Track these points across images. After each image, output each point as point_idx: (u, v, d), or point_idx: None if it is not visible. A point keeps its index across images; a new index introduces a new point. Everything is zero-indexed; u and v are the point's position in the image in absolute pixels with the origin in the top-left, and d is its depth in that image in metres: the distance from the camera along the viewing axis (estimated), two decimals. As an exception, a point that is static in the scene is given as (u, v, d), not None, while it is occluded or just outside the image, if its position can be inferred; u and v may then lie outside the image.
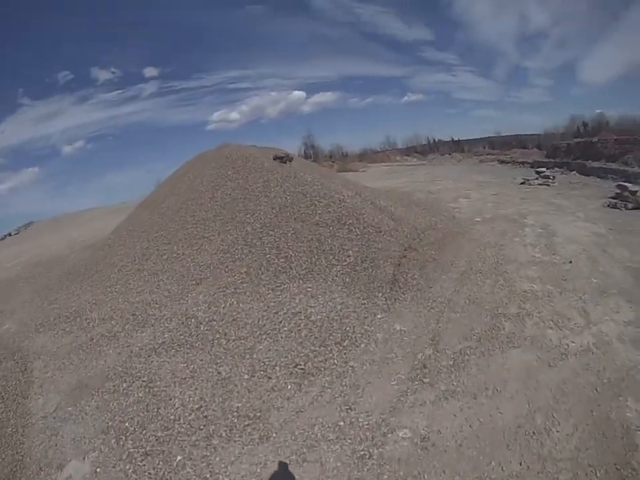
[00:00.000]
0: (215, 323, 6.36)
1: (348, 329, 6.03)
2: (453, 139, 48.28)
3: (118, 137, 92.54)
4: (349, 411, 4.62)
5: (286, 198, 8.71)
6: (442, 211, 13.31)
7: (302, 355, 5.55)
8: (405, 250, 8.12)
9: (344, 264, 7.35)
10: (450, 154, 41.40)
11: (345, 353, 5.58)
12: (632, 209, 12.55)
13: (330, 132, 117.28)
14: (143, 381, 5.35)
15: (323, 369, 5.31)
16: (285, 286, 6.90)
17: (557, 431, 4.07)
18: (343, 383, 5.06)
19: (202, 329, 6.27)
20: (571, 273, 8.17)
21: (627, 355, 5.20)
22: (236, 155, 10.86)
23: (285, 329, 6.05)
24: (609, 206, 13.22)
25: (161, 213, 10.33)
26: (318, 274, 7.14)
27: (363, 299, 6.72)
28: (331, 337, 5.86)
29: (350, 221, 8.25)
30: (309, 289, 6.77)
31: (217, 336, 6.07)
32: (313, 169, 12.47)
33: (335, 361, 5.47)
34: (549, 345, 5.65)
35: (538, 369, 5.13)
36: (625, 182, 14.85)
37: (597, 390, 4.59)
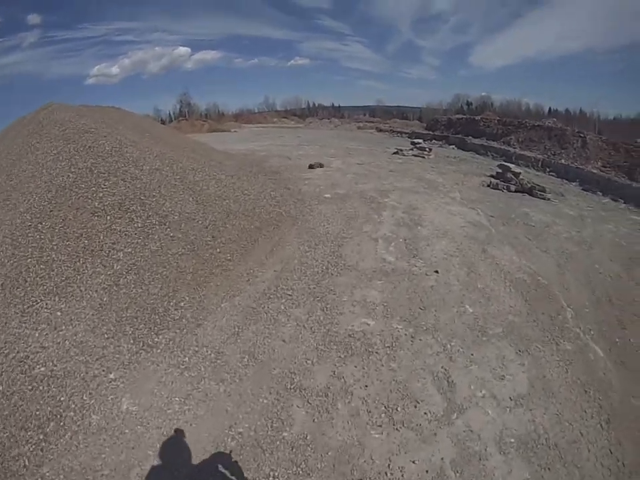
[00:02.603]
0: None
1: (63, 399, 4.00)
2: (333, 105, 49.37)
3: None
4: None
5: (69, 176, 6.94)
6: (288, 183, 11.02)
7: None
8: (186, 253, 6.17)
9: (109, 272, 5.64)
10: (329, 119, 42.50)
11: (39, 453, 3.52)
12: (515, 191, 11.43)
13: (211, 91, 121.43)
14: None
15: (2, 485, 3.36)
16: (38, 305, 5.09)
17: None
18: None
19: None
20: (434, 293, 5.57)
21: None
22: (49, 119, 8.92)
23: (-4, 393, 4.11)
24: (489, 186, 11.88)
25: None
26: (78, 286, 5.37)
27: (108, 338, 4.76)
28: (35, 415, 3.84)
29: (134, 207, 6.66)
30: (59, 313, 5.01)
31: None
32: (142, 132, 10.77)
33: (23, 468, 3.42)
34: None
35: None
36: (506, 162, 14.26)
37: None
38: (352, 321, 4.85)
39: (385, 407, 3.73)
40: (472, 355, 4.38)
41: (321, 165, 13.55)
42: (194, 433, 3.57)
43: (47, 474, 3.39)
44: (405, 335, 4.65)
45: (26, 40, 66.64)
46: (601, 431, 3.69)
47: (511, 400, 3.86)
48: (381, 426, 3.55)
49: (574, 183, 13.48)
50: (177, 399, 3.93)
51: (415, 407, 3.73)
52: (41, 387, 4.17)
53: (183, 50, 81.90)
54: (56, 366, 4.37)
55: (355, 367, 4.17)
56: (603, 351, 4.72)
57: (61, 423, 3.84)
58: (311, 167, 13.32)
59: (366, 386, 3.94)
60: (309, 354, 4.37)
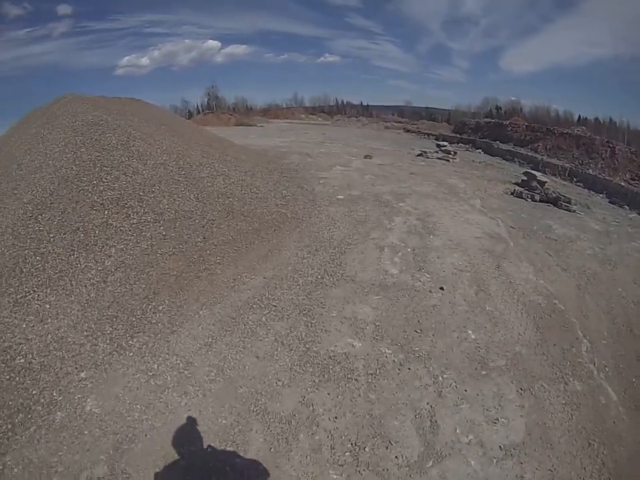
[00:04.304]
0: None
1: (35, 392, 3.88)
2: (362, 103, 49.54)
3: (23, 79, 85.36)
4: None
5: (72, 168, 6.82)
6: (303, 182, 10.58)
7: None
8: (176, 254, 5.94)
9: (100, 268, 5.52)
10: (357, 117, 41.34)
11: (5, 442, 3.44)
12: (540, 201, 10.68)
13: (240, 85, 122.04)
14: None
15: None
16: (30, 297, 4.99)
17: None
18: None
19: None
20: (436, 313, 5.04)
21: None
22: (63, 110, 8.84)
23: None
24: (512, 194, 11.14)
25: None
26: (70, 279, 5.27)
27: (87, 335, 4.60)
28: (7, 405, 3.75)
29: (131, 203, 6.48)
30: (47, 305, 4.90)
31: None
32: (158, 125, 10.42)
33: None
34: None
35: None
36: (532, 169, 13.50)
37: None
38: (336, 341, 4.40)
39: (352, 444, 3.30)
40: (465, 390, 3.86)
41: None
42: (147, 445, 3.35)
43: (9, 462, 3.35)
44: (393, 361, 4.16)
45: (57, 30, 69.51)
46: (597, 495, 3.17)
47: (501, 449, 3.35)
48: (342, 465, 3.13)
49: (601, 195, 12.63)
50: (138, 406, 3.73)
51: (387, 448, 3.27)
52: (17, 378, 4.13)
53: (213, 43, 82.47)
54: (35, 359, 4.30)
55: (329, 394, 3.74)
56: (616, 394, 4.16)
57: (29, 416, 3.78)
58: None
59: (336, 417, 3.51)
60: (280, 374, 3.97)
